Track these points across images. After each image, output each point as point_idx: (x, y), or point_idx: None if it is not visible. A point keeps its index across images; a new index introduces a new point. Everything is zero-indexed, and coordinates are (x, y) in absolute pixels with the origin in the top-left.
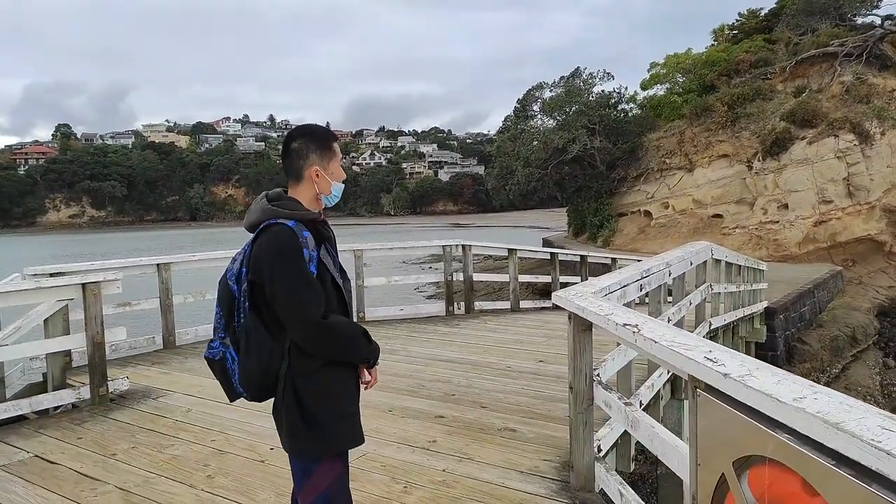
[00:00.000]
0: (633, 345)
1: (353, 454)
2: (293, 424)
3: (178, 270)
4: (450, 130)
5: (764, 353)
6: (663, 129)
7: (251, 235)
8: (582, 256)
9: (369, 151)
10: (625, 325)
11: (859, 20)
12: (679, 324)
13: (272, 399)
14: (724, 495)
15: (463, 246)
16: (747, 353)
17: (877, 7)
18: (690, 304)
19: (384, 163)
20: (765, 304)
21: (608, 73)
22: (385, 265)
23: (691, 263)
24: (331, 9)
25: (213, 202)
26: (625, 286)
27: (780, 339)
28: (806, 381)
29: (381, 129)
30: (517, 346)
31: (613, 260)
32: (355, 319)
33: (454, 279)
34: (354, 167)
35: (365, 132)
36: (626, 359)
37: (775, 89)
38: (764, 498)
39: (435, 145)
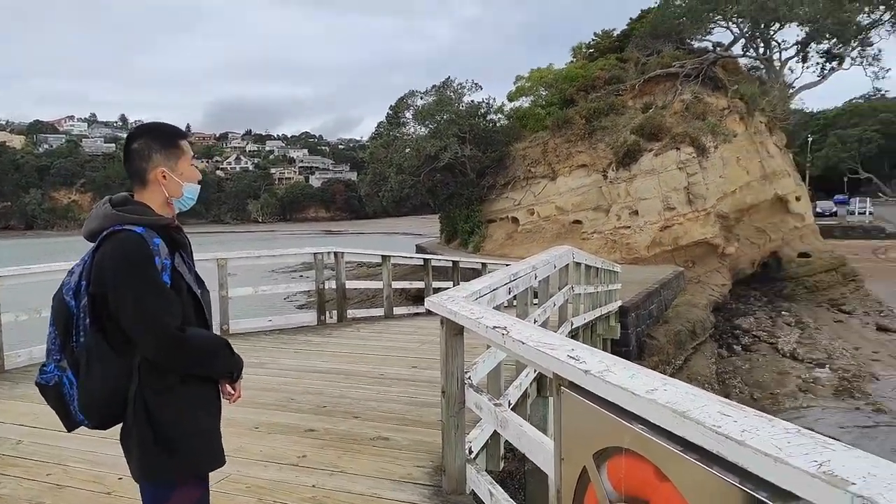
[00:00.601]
0: (503, 346)
1: (214, 477)
2: (145, 446)
3: (11, 285)
4: (321, 135)
5: (618, 348)
6: (529, 140)
7: (92, 245)
8: (454, 262)
9: (235, 155)
10: (494, 327)
11: (696, 45)
12: (544, 324)
13: (119, 426)
14: (586, 487)
15: (335, 253)
16: (604, 349)
17: (710, 34)
18: (554, 305)
19: (251, 167)
20: (619, 303)
21: (477, 84)
22: (253, 274)
23: (555, 267)
24: (191, 3)
25: (53, 209)
26: (494, 290)
27: (633, 335)
28: (657, 374)
29: (248, 132)
30: (391, 353)
31: (484, 265)
32: (218, 332)
33: (326, 287)
34: (218, 171)
35: (230, 135)
36: (496, 360)
37: (627, 105)
38: (621, 487)
39: (306, 150)
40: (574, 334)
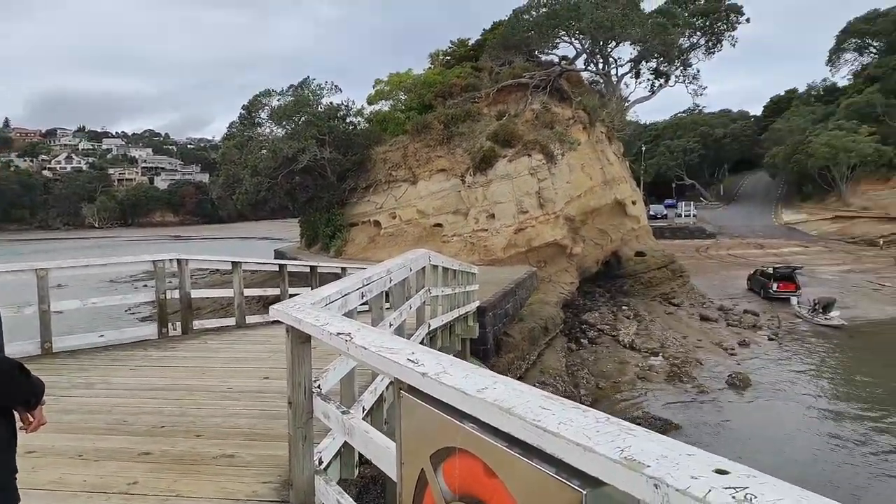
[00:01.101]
0: (347, 353)
1: None
2: None
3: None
4: (167, 134)
5: (477, 347)
6: (389, 143)
7: None
8: (312, 267)
9: (65, 154)
10: (338, 334)
11: (544, 58)
12: (401, 327)
13: None
14: (425, 489)
15: (178, 260)
16: (463, 349)
17: (556, 48)
18: (411, 308)
19: (85, 167)
20: (477, 303)
21: (336, 86)
22: (88, 286)
23: (411, 270)
24: None
25: None
26: (346, 295)
27: (490, 333)
28: (490, 373)
29: (81, 128)
30: (241, 364)
31: (344, 269)
32: (38, 350)
33: (169, 297)
34: (45, 172)
35: (59, 132)
36: (349, 366)
37: (482, 112)
38: (455, 486)
39: (150, 150)
40: (432, 335)
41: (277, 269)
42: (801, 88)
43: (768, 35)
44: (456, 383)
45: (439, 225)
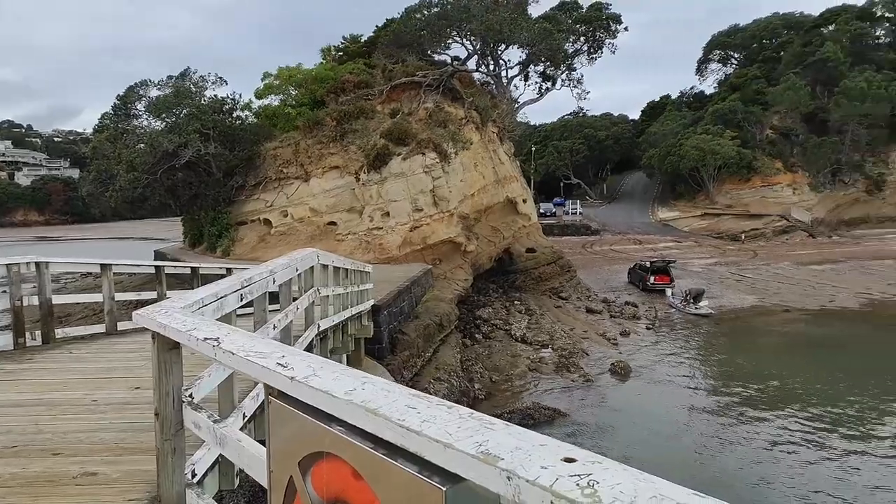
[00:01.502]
0: (215, 359)
1: None
2: None
3: None
4: (30, 125)
5: (372, 346)
6: (279, 139)
7: None
8: (193, 268)
9: None
10: (206, 339)
11: (437, 57)
12: (287, 329)
13: None
14: (294, 497)
15: (37, 263)
16: (357, 348)
17: (448, 48)
18: (298, 309)
19: None
20: (371, 302)
21: (221, 78)
22: None
23: (297, 270)
24: None
25: None
26: (222, 297)
27: (385, 332)
28: (362, 374)
29: None
30: (109, 374)
31: (229, 270)
32: None
33: (25, 304)
34: None
35: None
36: (226, 372)
37: (376, 109)
38: (324, 492)
39: (9, 142)
40: (323, 336)
41: (154, 272)
42: (674, 95)
43: (646, 45)
44: (324, 386)
45: (333, 223)
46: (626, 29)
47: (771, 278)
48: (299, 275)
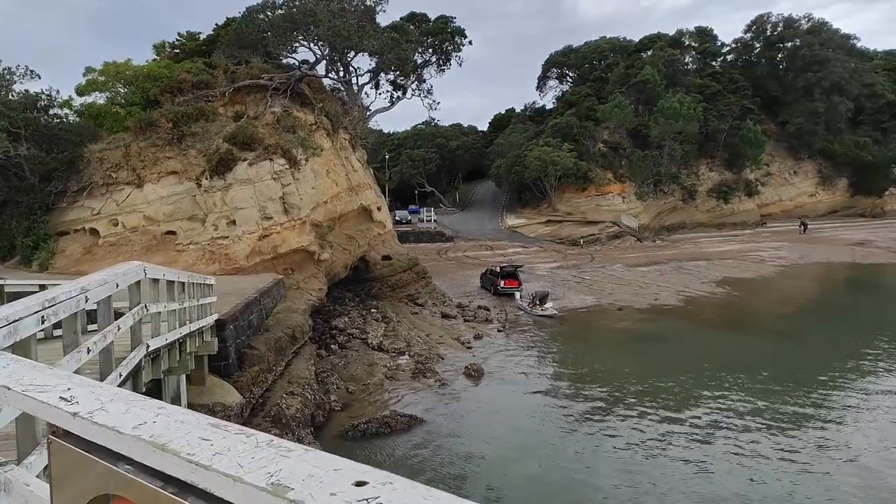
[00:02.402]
0: None
1: None
2: None
3: None
4: None
5: (217, 363)
6: (107, 141)
7: None
8: None
9: None
10: None
11: (284, 60)
12: (107, 351)
13: None
14: None
15: None
16: (199, 366)
17: (295, 52)
18: (120, 328)
19: None
20: (215, 316)
21: (32, 71)
22: None
23: (117, 286)
24: None
25: None
26: (15, 321)
27: (232, 347)
28: (158, 403)
29: None
30: None
31: (43, 286)
32: None
33: None
34: None
35: None
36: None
37: (217, 112)
38: None
39: None
40: (154, 357)
41: None
42: (518, 108)
43: (493, 59)
44: (111, 421)
45: (172, 232)
46: (470, 43)
47: (606, 279)
48: (123, 291)
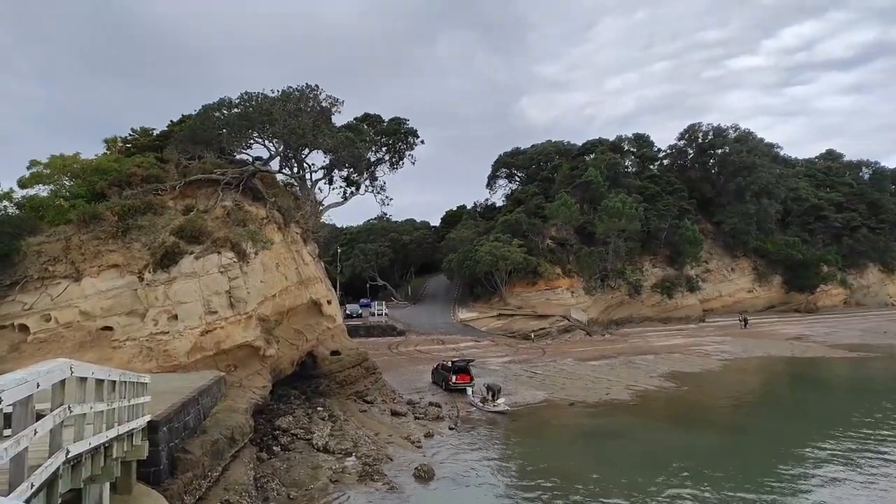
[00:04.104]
0: None
1: None
2: None
3: None
4: None
5: (147, 468)
6: (47, 234)
7: None
8: None
9: None
10: None
11: (237, 156)
12: (19, 458)
13: None
14: None
15: None
16: (126, 473)
17: (249, 147)
18: (37, 432)
19: None
20: (147, 417)
21: None
22: None
23: (38, 385)
24: None
25: None
26: None
27: (164, 451)
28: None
29: None
30: None
31: None
32: None
33: None
34: None
35: None
36: None
37: (166, 205)
38: None
39: None
40: (75, 462)
41: None
42: (469, 205)
43: (445, 158)
44: None
45: (109, 328)
46: (422, 142)
47: (557, 374)
48: (43, 391)
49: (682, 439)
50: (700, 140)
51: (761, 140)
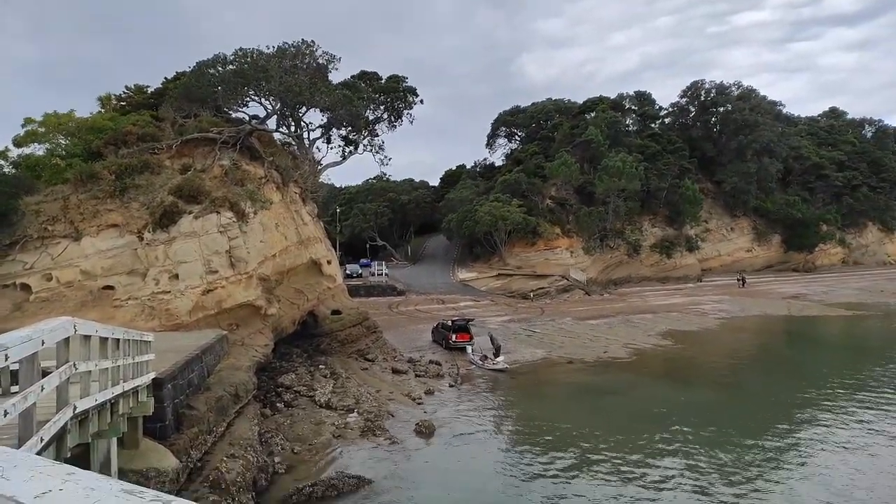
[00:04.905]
0: None
1: None
2: None
3: None
4: None
5: (153, 424)
6: (44, 193)
7: None
8: None
9: None
10: None
11: (234, 114)
12: (28, 414)
13: None
14: None
15: None
16: (133, 428)
17: (246, 106)
18: (44, 388)
19: None
20: (152, 375)
21: None
22: None
23: (43, 343)
24: None
25: None
26: None
27: (169, 407)
28: (67, 468)
29: None
30: None
31: None
32: None
33: None
34: None
35: None
36: None
37: (163, 164)
38: None
39: None
40: (83, 418)
41: None
42: (469, 165)
43: (444, 117)
44: (11, 490)
45: (110, 287)
46: (421, 101)
47: (556, 332)
48: (49, 348)
49: (679, 396)
50: (703, 98)
51: (764, 98)
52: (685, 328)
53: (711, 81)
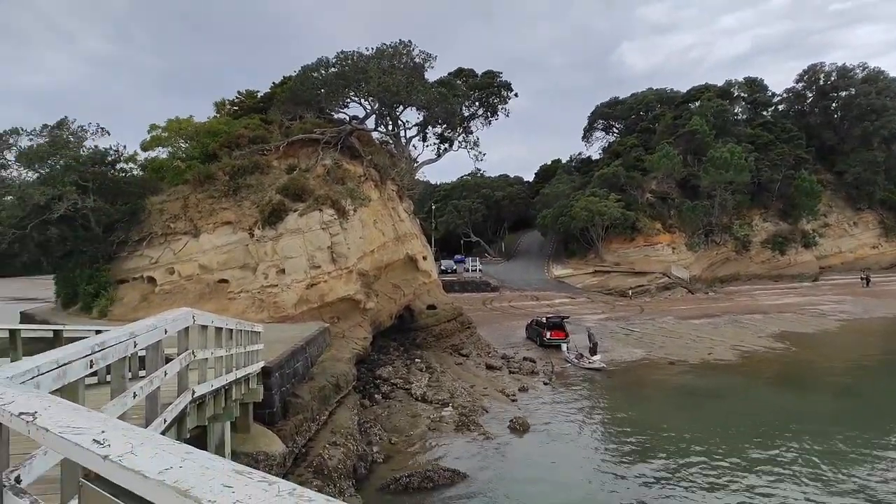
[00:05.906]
0: (30, 437)
1: None
2: None
3: None
4: None
5: (262, 411)
6: (167, 193)
7: None
8: (56, 332)
9: None
10: (20, 413)
11: (335, 115)
12: (153, 397)
13: None
14: None
15: None
16: (244, 414)
17: (346, 107)
18: (167, 374)
19: None
20: (261, 364)
21: (103, 129)
22: None
23: (166, 332)
24: None
25: None
26: (65, 365)
27: (277, 395)
28: (186, 448)
29: None
30: None
31: (98, 332)
32: None
33: None
34: None
35: None
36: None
37: (271, 165)
38: None
39: None
40: (200, 403)
41: (9, 336)
42: (564, 159)
43: (539, 111)
44: (137, 465)
45: (225, 281)
46: (516, 95)
47: (656, 332)
48: (171, 337)
49: (790, 402)
50: (821, 82)
51: (894, 80)
52: (801, 330)
53: (832, 64)
